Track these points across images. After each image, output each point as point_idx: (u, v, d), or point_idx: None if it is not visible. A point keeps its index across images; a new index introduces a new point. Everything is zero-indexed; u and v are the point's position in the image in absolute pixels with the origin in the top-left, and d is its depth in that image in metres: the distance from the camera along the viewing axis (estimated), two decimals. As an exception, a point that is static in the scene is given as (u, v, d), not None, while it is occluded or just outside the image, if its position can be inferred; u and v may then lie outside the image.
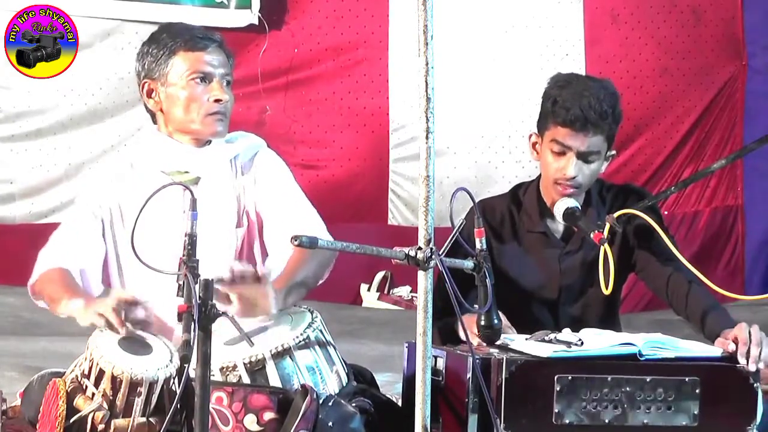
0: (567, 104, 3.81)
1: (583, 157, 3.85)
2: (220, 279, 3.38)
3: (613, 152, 3.94)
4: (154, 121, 3.87)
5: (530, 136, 3.97)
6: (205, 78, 3.77)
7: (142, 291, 3.71)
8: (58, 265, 3.71)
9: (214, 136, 3.80)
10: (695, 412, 3.39)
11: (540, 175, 3.99)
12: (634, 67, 7.96)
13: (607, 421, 3.35)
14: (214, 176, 3.80)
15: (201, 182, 3.77)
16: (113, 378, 3.27)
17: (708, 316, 3.74)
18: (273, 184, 3.84)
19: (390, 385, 4.21)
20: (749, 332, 3.51)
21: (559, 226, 3.96)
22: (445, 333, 3.73)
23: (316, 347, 3.46)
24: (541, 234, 3.96)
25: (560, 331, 3.52)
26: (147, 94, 3.84)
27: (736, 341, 3.49)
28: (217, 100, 3.77)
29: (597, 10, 7.95)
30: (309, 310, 3.59)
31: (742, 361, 3.45)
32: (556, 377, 3.32)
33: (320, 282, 3.77)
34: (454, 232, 3.26)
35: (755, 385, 3.44)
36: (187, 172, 3.78)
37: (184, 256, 3.06)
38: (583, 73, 7.23)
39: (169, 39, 3.79)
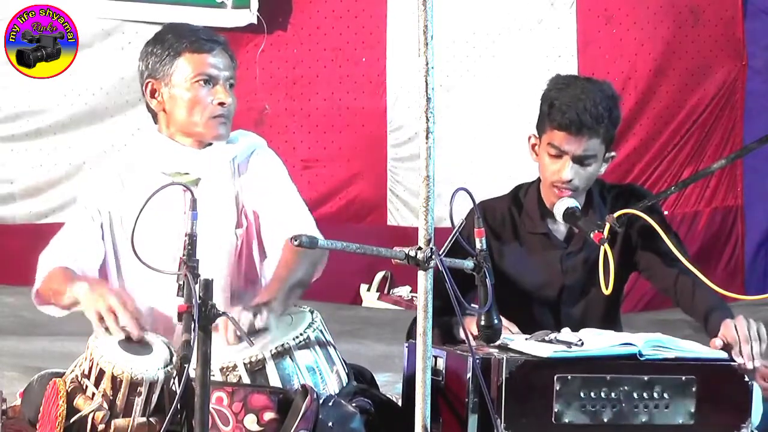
0: (563, 108, 3.81)
1: (579, 160, 3.85)
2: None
3: (613, 154, 3.94)
4: (155, 121, 3.87)
5: (529, 137, 3.97)
6: (210, 81, 3.76)
7: (142, 291, 3.72)
8: (60, 264, 3.72)
9: (217, 139, 3.79)
10: (692, 410, 3.40)
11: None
12: (628, 67, 7.96)
13: (606, 420, 3.36)
14: (214, 177, 3.80)
15: (201, 183, 3.77)
16: (113, 378, 3.27)
17: (711, 315, 3.75)
18: (268, 183, 3.83)
19: (390, 385, 4.22)
20: (736, 329, 3.52)
21: (560, 227, 3.97)
22: (443, 332, 3.73)
23: (316, 347, 3.47)
24: (542, 235, 3.97)
25: (561, 332, 3.53)
26: (150, 94, 3.82)
27: (725, 340, 3.51)
28: (221, 104, 3.76)
29: (590, 12, 7.95)
30: (309, 310, 3.59)
31: (738, 359, 3.46)
32: (555, 377, 3.33)
33: (314, 279, 3.76)
34: (454, 232, 3.26)
35: (750, 383, 3.45)
36: (187, 173, 3.78)
37: (184, 256, 3.06)
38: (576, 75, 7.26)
39: (174, 40, 3.77)
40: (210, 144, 3.81)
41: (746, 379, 3.45)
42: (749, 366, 3.45)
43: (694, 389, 3.40)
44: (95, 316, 3.40)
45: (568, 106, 3.80)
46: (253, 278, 3.82)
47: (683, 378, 3.40)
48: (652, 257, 3.91)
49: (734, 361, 3.47)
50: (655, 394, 3.38)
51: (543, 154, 3.89)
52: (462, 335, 3.64)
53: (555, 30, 7.91)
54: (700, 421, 3.40)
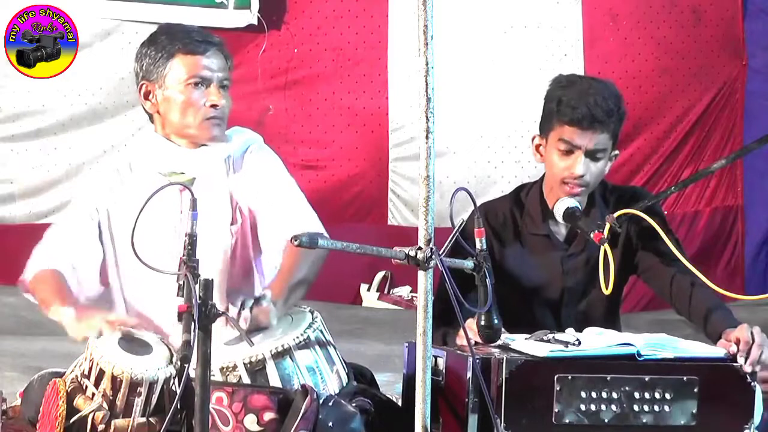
0: (573, 103, 3.81)
1: (591, 155, 3.84)
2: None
3: (617, 152, 3.93)
4: (152, 121, 3.87)
5: (533, 138, 3.96)
6: (203, 82, 3.76)
7: (140, 290, 3.73)
8: (52, 266, 3.72)
9: (212, 140, 3.79)
10: (693, 411, 3.39)
11: (542, 177, 3.99)
12: (633, 67, 7.96)
13: (606, 420, 3.35)
14: (209, 176, 3.80)
15: (196, 182, 3.76)
16: (113, 378, 3.27)
17: (712, 315, 3.74)
18: (263, 179, 3.83)
19: (390, 385, 4.21)
20: (751, 333, 3.51)
21: (561, 228, 3.96)
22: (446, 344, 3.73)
23: (317, 347, 3.47)
24: (544, 236, 3.96)
25: (563, 332, 3.52)
26: (144, 96, 3.83)
27: (737, 342, 3.50)
28: (213, 105, 3.76)
29: (596, 11, 7.95)
30: (309, 310, 3.59)
31: (741, 361, 3.46)
32: (556, 377, 3.32)
33: (314, 279, 3.76)
34: (454, 232, 3.26)
35: (753, 384, 3.45)
36: (183, 173, 3.78)
37: (184, 256, 3.06)
38: (582, 74, 7.26)
39: (168, 41, 3.78)
40: (205, 144, 3.81)
41: (749, 380, 3.45)
42: (748, 369, 3.45)
43: (696, 390, 3.39)
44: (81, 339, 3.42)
45: (578, 101, 3.80)
46: (248, 274, 3.82)
47: (685, 378, 3.39)
48: (651, 258, 3.91)
49: (737, 362, 3.46)
50: (657, 395, 3.38)
51: (552, 152, 3.88)
52: (457, 343, 3.65)
53: (561, 28, 7.91)
54: (702, 422, 3.39)
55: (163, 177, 3.73)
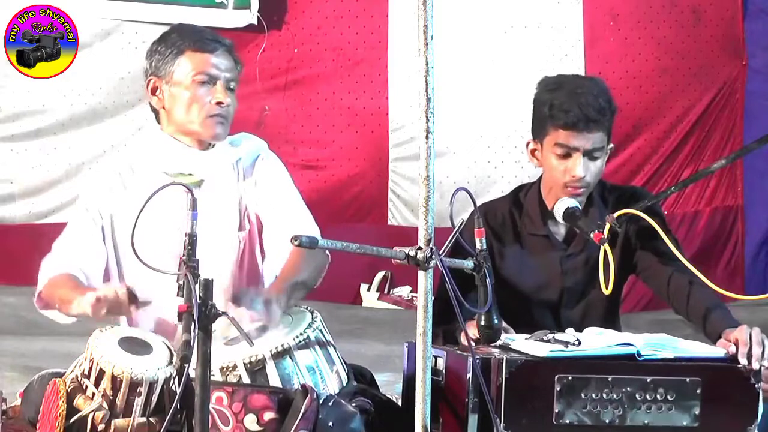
0: (565, 106, 3.80)
1: (589, 154, 3.83)
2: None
3: (612, 146, 3.93)
4: (158, 120, 3.87)
5: (527, 144, 3.96)
6: (210, 80, 3.77)
7: (143, 294, 3.73)
8: (65, 270, 3.71)
9: (214, 138, 3.79)
10: (696, 413, 3.39)
11: (540, 177, 3.98)
12: (633, 67, 7.96)
13: (607, 421, 3.35)
14: (217, 179, 3.80)
15: (204, 185, 3.77)
16: (113, 378, 3.27)
17: (711, 314, 3.74)
18: (272, 187, 3.84)
19: (390, 385, 4.22)
20: (750, 334, 3.51)
21: (561, 228, 3.96)
22: (448, 340, 3.73)
23: (316, 347, 3.47)
24: (543, 237, 3.95)
25: (563, 332, 3.52)
26: (151, 92, 3.83)
27: (737, 343, 3.49)
28: (218, 103, 3.76)
29: (597, 11, 7.95)
30: (309, 310, 3.59)
31: (743, 361, 3.45)
32: (556, 377, 3.32)
33: (315, 286, 3.77)
34: (454, 232, 3.26)
35: (756, 385, 3.44)
36: (190, 174, 3.78)
37: (184, 256, 3.06)
38: (583, 74, 7.26)
39: (178, 39, 3.79)
40: (213, 145, 3.81)
41: (752, 381, 3.44)
42: (755, 366, 3.44)
43: (698, 391, 3.39)
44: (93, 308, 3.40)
45: (569, 104, 3.79)
46: (255, 281, 3.82)
47: (687, 380, 3.39)
48: (649, 257, 3.91)
49: (738, 363, 3.46)
50: (659, 396, 3.37)
51: (549, 157, 3.87)
52: (463, 340, 3.65)
53: (562, 28, 7.91)
54: (704, 423, 3.38)
55: (169, 177, 3.73)
